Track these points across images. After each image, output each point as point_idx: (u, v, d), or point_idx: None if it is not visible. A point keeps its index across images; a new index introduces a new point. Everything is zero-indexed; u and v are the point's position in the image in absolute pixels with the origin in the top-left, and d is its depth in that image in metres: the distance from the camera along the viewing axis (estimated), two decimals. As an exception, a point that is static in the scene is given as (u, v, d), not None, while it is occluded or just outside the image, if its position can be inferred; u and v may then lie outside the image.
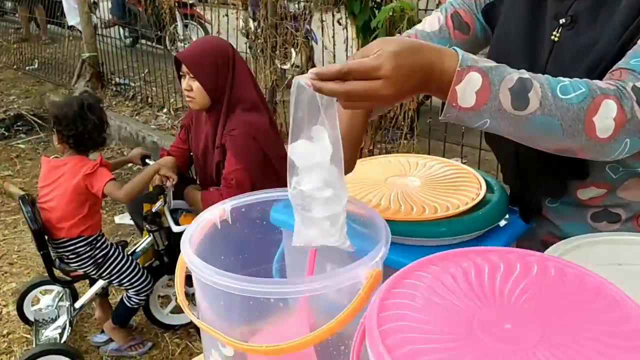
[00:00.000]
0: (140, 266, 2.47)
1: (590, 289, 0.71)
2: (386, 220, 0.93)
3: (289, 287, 0.80)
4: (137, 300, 2.44)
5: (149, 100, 5.57)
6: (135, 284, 2.41)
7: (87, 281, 2.56)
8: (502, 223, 1.11)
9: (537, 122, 0.78)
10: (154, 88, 5.50)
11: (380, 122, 3.41)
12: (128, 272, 2.40)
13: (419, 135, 3.21)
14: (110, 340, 2.56)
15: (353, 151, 1.00)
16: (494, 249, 0.81)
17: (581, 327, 0.65)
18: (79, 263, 2.34)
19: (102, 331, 2.60)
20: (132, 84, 5.89)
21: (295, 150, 0.81)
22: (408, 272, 0.77)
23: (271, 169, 2.44)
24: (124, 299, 2.46)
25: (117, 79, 5.97)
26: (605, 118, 0.79)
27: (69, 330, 2.42)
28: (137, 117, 5.33)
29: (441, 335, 0.65)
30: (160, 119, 5.20)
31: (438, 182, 1.16)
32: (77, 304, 2.47)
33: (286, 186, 0.84)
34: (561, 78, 0.81)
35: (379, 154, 3.76)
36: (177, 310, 2.70)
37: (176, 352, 2.55)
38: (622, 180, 1.01)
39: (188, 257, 0.86)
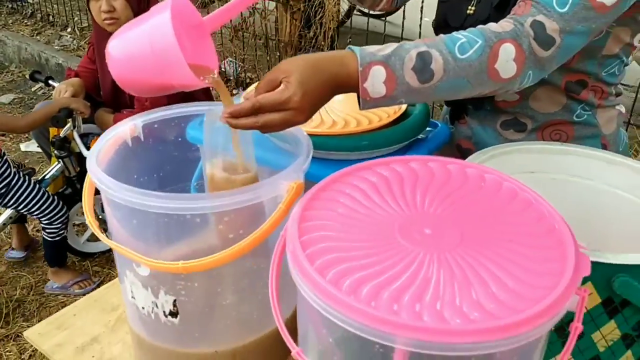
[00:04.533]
0: (50, 194, 2.33)
1: (507, 193, 0.72)
2: (308, 134, 0.90)
3: (205, 201, 0.77)
4: (54, 230, 2.30)
5: (50, 18, 5.13)
6: (46, 212, 2.28)
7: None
8: (423, 135, 1.12)
9: (446, 86, 0.84)
10: (55, 5, 5.06)
11: (300, 42, 3.32)
12: (36, 199, 2.26)
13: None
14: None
15: None
16: (416, 157, 0.81)
17: (499, 229, 0.66)
18: (-22, 193, 2.18)
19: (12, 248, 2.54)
20: (30, 1, 5.39)
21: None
22: (329, 183, 0.76)
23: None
24: (44, 235, 2.34)
25: (12, -5, 5.45)
26: (506, 62, 0.84)
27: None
28: (38, 37, 4.91)
29: (361, 243, 0.65)
30: (64, 39, 4.82)
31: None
32: (-16, 235, 2.32)
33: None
34: (457, 35, 0.85)
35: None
36: (94, 237, 2.60)
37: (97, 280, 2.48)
38: (533, 88, 1.04)
39: (95, 174, 0.80)
